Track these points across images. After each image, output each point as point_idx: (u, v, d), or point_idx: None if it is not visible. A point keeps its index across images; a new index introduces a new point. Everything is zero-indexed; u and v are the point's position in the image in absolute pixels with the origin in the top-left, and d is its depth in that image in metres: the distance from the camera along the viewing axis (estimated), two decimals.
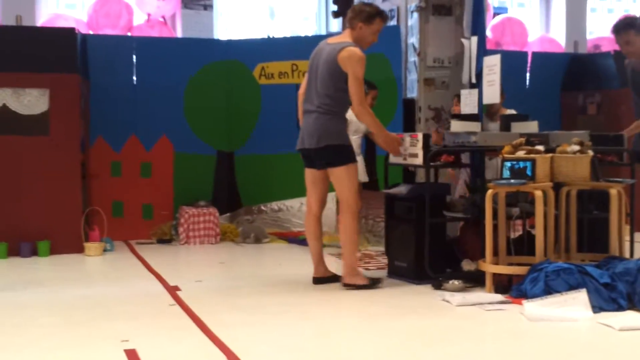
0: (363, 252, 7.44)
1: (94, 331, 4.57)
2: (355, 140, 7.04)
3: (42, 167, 7.41)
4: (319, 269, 5.98)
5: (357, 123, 7.02)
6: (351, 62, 5.59)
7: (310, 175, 5.91)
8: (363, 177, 7.24)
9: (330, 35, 9.21)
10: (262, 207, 8.57)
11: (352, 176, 5.77)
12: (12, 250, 7.25)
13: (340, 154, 5.73)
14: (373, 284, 5.79)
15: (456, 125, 6.29)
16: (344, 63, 5.60)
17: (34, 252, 7.29)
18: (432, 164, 5.94)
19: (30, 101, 7.45)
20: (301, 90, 5.98)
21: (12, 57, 7.41)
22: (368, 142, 7.94)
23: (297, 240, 7.96)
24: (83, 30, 9.22)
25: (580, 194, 5.87)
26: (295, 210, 7.82)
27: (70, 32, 7.69)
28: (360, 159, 7.11)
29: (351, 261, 5.75)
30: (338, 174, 5.73)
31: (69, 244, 7.39)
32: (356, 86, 5.60)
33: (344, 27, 9.21)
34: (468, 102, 6.63)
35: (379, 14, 5.81)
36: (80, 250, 7.39)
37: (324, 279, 5.95)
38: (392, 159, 6.26)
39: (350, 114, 6.70)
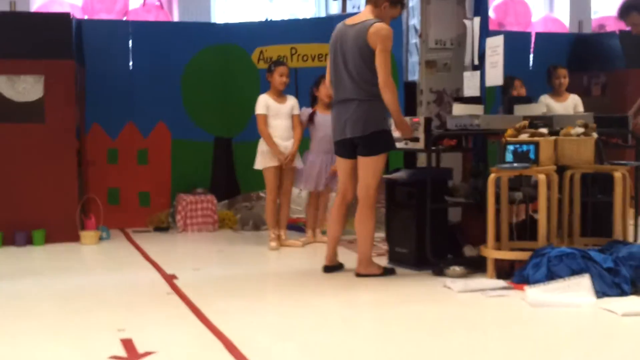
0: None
1: (89, 320, 4.52)
2: (280, 125, 6.98)
3: (37, 155, 7.33)
4: (333, 258, 5.89)
5: (277, 107, 6.96)
6: (380, 36, 5.43)
7: (348, 165, 5.72)
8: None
9: (331, 18, 9.10)
10: (261, 194, 8.45)
11: (381, 166, 5.67)
12: (7, 239, 7.18)
13: (383, 141, 5.60)
14: (387, 273, 5.72)
15: (458, 109, 6.19)
16: (373, 40, 5.44)
17: (29, 241, 7.22)
18: (433, 148, 5.84)
19: (25, 88, 7.35)
20: (329, 79, 5.83)
21: (6, 43, 7.31)
22: None
23: (296, 227, 7.87)
24: (78, 15, 9.11)
25: (584, 177, 5.79)
26: (294, 196, 7.70)
27: (65, 17, 7.58)
28: (290, 143, 7.04)
29: (367, 252, 5.68)
30: (369, 162, 5.58)
31: (64, 232, 7.31)
32: (383, 60, 5.44)
33: (344, 9, 9.19)
34: (470, 85, 6.53)
35: (402, 1, 5.71)
36: (76, 238, 7.31)
37: (334, 267, 5.88)
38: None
39: (264, 99, 6.87)
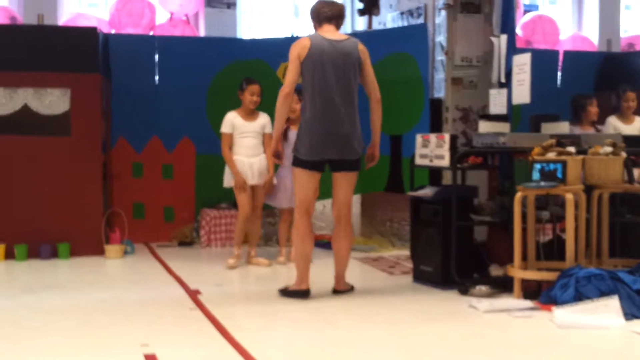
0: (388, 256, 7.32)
1: (113, 335, 4.52)
2: (246, 144, 6.94)
3: (63, 168, 7.36)
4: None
5: (244, 125, 6.91)
6: (367, 54, 5.56)
7: (317, 180, 5.58)
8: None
9: (356, 34, 9.08)
10: None
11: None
12: (32, 252, 7.20)
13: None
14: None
15: (485, 126, 6.15)
16: (364, 57, 5.52)
17: (54, 254, 7.24)
18: (459, 165, 5.80)
19: (52, 101, 7.40)
20: (289, 90, 5.43)
21: (33, 56, 7.36)
22: (393, 144, 7.80)
23: (321, 243, 7.83)
24: (105, 29, 9.17)
25: (612, 197, 5.72)
26: (318, 213, 7.67)
27: (92, 31, 7.63)
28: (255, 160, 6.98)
29: (345, 268, 5.73)
30: (354, 178, 5.58)
31: (89, 246, 7.33)
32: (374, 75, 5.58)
33: (369, 26, 9.18)
34: (497, 102, 6.49)
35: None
36: (100, 252, 7.33)
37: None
38: (418, 160, 6.10)
39: (231, 118, 6.84)
